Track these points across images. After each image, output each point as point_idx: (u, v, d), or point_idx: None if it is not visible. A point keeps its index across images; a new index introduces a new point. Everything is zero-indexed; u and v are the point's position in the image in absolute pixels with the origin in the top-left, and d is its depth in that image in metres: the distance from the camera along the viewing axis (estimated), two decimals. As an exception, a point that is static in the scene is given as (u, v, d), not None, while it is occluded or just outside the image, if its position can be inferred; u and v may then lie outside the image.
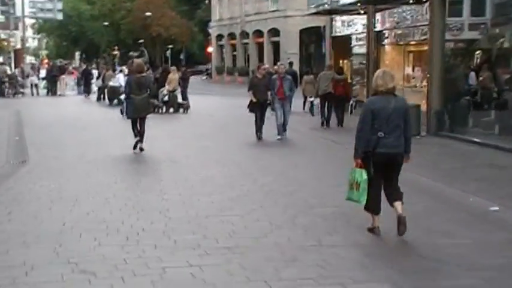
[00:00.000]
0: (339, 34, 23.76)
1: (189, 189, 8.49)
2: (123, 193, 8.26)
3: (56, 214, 7.02)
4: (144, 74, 12.16)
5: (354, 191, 6.04)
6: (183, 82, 22.61)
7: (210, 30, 59.07)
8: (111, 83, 24.71)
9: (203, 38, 78.12)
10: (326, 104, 16.72)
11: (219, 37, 56.52)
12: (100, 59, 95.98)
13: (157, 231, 6.26)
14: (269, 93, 13.45)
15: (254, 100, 13.44)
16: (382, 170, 6.07)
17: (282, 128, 13.68)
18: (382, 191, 6.14)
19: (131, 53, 26.41)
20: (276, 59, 47.70)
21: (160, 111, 20.81)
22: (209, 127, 16.82)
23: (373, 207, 6.13)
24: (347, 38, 22.97)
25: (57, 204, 7.52)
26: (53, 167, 10.28)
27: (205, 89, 37.55)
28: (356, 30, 22.46)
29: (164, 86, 21.51)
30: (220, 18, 55.66)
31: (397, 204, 6.06)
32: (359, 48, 22.34)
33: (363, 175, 5.97)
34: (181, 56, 77.17)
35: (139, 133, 11.81)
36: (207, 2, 64.58)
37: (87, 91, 27.84)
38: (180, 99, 21.79)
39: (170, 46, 73.75)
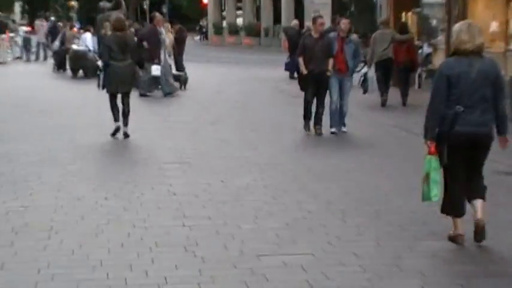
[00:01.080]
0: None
1: (220, 211, 7.69)
2: (120, 217, 7.45)
3: (22, 258, 6.16)
4: (127, 32, 12.41)
5: (424, 186, 6.30)
6: (178, 46, 21.91)
7: (204, -28, 58.18)
8: (74, 46, 24.06)
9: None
10: (385, 74, 16.71)
11: None
12: (50, 12, 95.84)
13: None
14: (330, 61, 12.50)
15: (305, 72, 12.51)
16: (462, 156, 6.24)
17: (339, 116, 12.78)
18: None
19: (102, 4, 25.54)
20: (299, 12, 47.04)
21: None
22: (221, 109, 16.38)
23: (452, 208, 6.36)
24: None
25: (22, 239, 6.68)
26: (2, 173, 9.47)
27: (201, 54, 36.85)
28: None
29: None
30: None
31: (478, 203, 6.24)
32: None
33: (432, 163, 6.18)
34: (164, 9, 76.36)
35: (123, 114, 11.98)
36: None
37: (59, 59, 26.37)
38: (174, 70, 20.99)
39: (140, -6, 73.39)
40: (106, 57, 11.97)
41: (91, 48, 23.16)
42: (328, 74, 12.43)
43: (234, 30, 52.56)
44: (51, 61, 27.43)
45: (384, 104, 16.60)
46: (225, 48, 48.03)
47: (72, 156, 10.63)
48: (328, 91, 12.66)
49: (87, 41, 23.48)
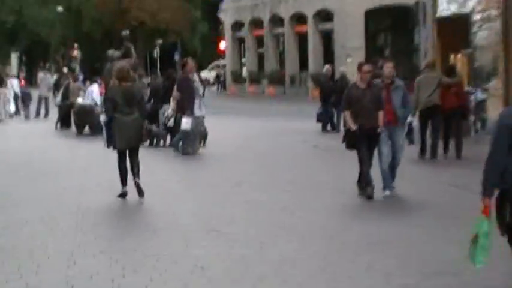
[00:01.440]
0: (446, 14, 22.71)
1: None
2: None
3: None
4: (133, 84, 12.49)
5: (471, 247, 6.24)
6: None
7: (221, 16, 58.85)
8: (79, 100, 23.94)
9: (209, 28, 78.23)
10: (431, 122, 16.74)
11: (237, 26, 56.51)
12: (50, 63, 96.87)
13: None
14: (380, 115, 11.99)
15: (354, 128, 11.98)
16: None
17: (391, 175, 12.25)
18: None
19: (111, 52, 25.58)
20: (328, 57, 47.08)
21: (161, 142, 20.02)
22: (246, 167, 16.16)
23: None
24: (462, 20, 21.88)
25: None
26: (3, 247, 9.10)
27: (219, 105, 36.68)
28: (480, 7, 21.41)
29: (167, 102, 20.52)
30: None
31: None
32: (484, 33, 21.29)
33: (483, 226, 6.09)
34: (176, 56, 77.13)
35: (132, 170, 12.09)
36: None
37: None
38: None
39: (159, 41, 73.69)
40: (110, 111, 12.00)
41: (98, 102, 23.00)
42: (379, 130, 11.95)
43: (255, 78, 52.62)
44: (54, 117, 27.35)
45: (422, 152, 16.64)
46: (245, 98, 48.09)
47: (81, 224, 10.24)
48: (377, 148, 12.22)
49: (93, 94, 23.39)
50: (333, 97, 23.25)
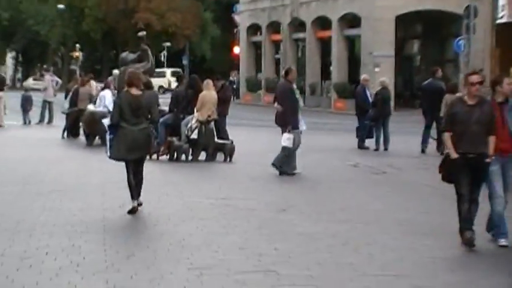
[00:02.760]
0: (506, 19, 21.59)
1: None
2: None
3: None
4: (143, 93, 12.36)
5: None
6: (221, 107, 20.73)
7: (236, 18, 58.05)
8: (90, 107, 22.84)
9: (219, 32, 77.35)
10: None
11: (253, 30, 55.78)
12: (48, 64, 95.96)
13: None
14: (491, 140, 10.15)
15: (455, 155, 10.19)
16: None
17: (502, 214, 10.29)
18: None
19: (125, 55, 24.56)
20: (353, 65, 46.13)
21: (183, 156, 19.16)
22: (286, 190, 15.11)
23: None
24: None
25: None
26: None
27: (234, 115, 35.55)
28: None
29: (191, 112, 19.76)
30: None
31: None
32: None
33: None
34: (184, 60, 76.27)
35: (134, 186, 12.07)
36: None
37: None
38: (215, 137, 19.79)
39: (167, 44, 72.80)
40: (115, 118, 11.98)
41: (109, 107, 21.89)
42: (489, 160, 10.14)
43: (272, 86, 51.45)
44: (58, 124, 26.42)
45: None
46: (261, 108, 46.93)
47: (109, 260, 9.16)
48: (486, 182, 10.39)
49: (106, 101, 22.34)
50: (371, 111, 22.23)
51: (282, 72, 19.93)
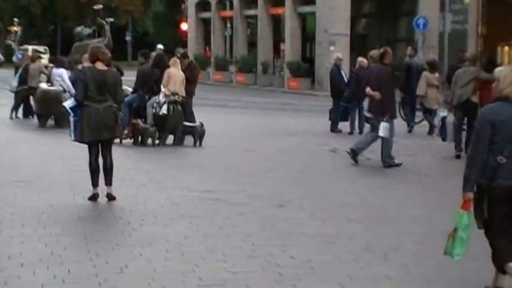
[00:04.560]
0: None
1: None
2: None
3: None
4: (108, 68, 11.50)
5: (449, 241, 7.04)
6: (189, 86, 19.10)
7: (184, -6, 56.01)
8: (43, 85, 21.22)
9: (163, 8, 75.37)
10: (466, 119, 16.57)
11: (202, 6, 54.06)
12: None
13: None
14: None
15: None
16: (506, 211, 6.78)
17: None
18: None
19: (79, 29, 22.85)
20: (307, 43, 44.83)
21: (151, 140, 17.67)
22: (272, 180, 13.58)
23: (499, 260, 6.81)
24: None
25: None
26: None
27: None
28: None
29: (155, 91, 18.23)
30: None
31: None
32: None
33: (463, 219, 6.89)
34: (127, 37, 74.20)
35: (104, 170, 11.27)
36: None
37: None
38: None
39: (110, 20, 70.51)
40: (81, 96, 11.09)
41: (68, 87, 20.25)
42: None
43: (221, 64, 50.02)
44: (4, 103, 24.70)
45: (458, 155, 16.35)
46: (212, 87, 45.31)
47: (101, 274, 7.61)
48: None
49: (63, 77, 20.62)
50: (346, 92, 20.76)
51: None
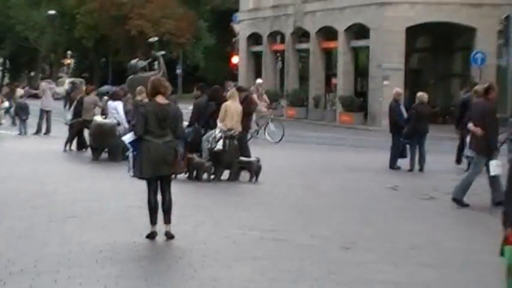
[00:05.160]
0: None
1: None
2: None
3: None
4: (169, 102, 11.17)
5: (509, 280, 6.41)
6: (245, 120, 18.87)
7: (235, 27, 56.09)
8: (97, 118, 21.09)
9: (214, 41, 75.41)
10: None
11: (253, 39, 54.31)
12: (37, 71, 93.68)
13: None
14: None
15: None
16: None
17: None
18: None
19: (134, 62, 22.66)
20: (361, 78, 44.46)
21: (205, 175, 17.29)
22: (335, 219, 13.10)
23: None
24: None
25: None
26: None
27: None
28: None
29: (210, 125, 17.96)
30: (255, 6, 53.44)
31: None
32: None
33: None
34: (177, 70, 74.28)
35: (163, 208, 10.93)
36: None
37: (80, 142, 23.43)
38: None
39: (161, 52, 70.64)
40: (140, 130, 10.77)
41: (122, 121, 20.03)
42: None
43: (273, 98, 49.61)
44: (57, 135, 24.51)
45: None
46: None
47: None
48: None
49: (118, 110, 20.42)
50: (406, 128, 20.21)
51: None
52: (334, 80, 45.71)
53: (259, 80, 34.81)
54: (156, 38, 24.22)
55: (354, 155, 25.69)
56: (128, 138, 11.20)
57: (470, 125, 14.45)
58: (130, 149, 10.97)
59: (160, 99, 10.85)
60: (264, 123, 30.09)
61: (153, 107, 10.85)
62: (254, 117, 25.14)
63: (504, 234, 6.40)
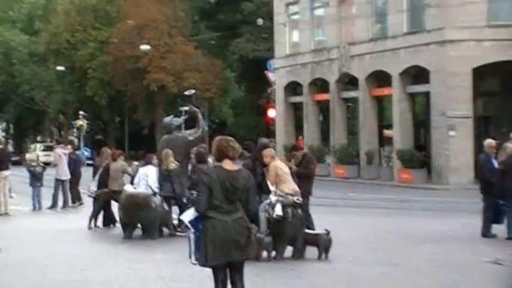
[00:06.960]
0: None
1: None
2: None
3: None
4: (240, 168, 10.53)
5: None
6: (304, 183, 18.03)
7: (270, 76, 55.58)
8: (128, 188, 20.38)
9: (243, 93, 74.96)
10: None
11: (292, 88, 53.91)
12: (45, 135, 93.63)
13: None
14: None
15: None
16: None
17: None
18: None
19: (168, 120, 21.65)
20: (421, 129, 43.67)
21: (268, 253, 16.39)
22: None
23: None
24: None
25: None
26: None
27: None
28: None
29: (264, 190, 16.91)
30: (293, 52, 53.03)
31: None
32: None
33: None
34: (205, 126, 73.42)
35: None
36: (259, 21, 61.47)
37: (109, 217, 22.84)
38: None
39: (184, 108, 69.82)
40: (204, 206, 10.00)
41: (156, 189, 19.20)
42: None
43: (317, 155, 48.89)
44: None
45: None
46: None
47: None
48: None
49: (149, 180, 19.65)
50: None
51: None
52: (389, 132, 44.85)
53: None
54: (193, 91, 23.12)
55: (429, 220, 24.48)
56: (188, 216, 10.34)
57: None
58: (192, 230, 10.11)
59: (228, 164, 10.02)
60: None
61: (219, 175, 9.98)
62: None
63: None
